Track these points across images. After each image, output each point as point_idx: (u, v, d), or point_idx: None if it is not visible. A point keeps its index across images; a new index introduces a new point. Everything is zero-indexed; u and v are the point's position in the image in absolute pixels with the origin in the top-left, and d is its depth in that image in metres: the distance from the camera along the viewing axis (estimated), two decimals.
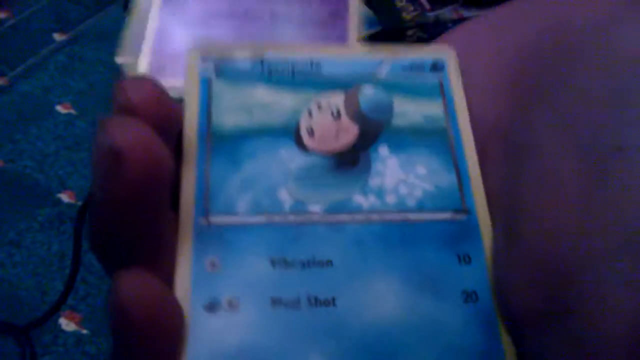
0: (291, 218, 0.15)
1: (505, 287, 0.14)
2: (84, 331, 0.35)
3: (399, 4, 0.56)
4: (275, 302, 0.14)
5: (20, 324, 0.35)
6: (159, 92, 0.14)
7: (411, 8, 0.56)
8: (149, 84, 0.14)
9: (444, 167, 0.16)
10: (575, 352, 0.12)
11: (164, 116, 0.14)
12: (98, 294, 0.37)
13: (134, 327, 0.13)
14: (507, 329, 0.14)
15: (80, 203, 0.40)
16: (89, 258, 0.38)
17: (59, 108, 0.46)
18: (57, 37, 0.52)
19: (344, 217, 0.15)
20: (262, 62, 0.17)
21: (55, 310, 0.35)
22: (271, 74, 0.17)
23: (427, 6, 0.55)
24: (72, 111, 0.46)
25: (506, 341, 0.14)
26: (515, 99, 0.15)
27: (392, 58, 0.18)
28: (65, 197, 0.41)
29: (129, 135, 0.12)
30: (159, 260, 0.14)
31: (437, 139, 0.16)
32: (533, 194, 0.13)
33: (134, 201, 0.13)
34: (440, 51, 0.18)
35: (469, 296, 0.15)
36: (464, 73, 0.17)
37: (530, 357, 0.13)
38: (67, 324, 0.35)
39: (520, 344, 0.14)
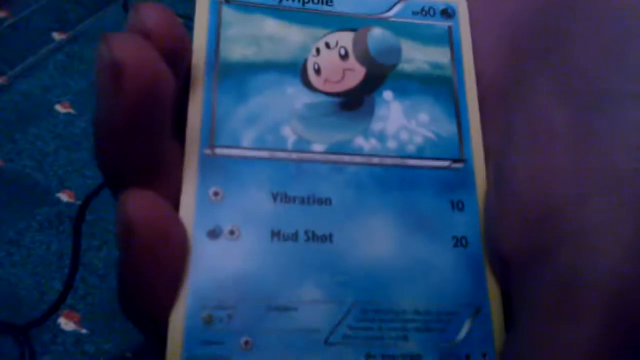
0: (294, 155, 0.15)
1: (494, 229, 0.14)
2: (84, 331, 0.35)
3: None
4: (275, 234, 0.14)
5: (19, 324, 0.35)
6: (173, 20, 0.14)
7: None
8: (165, 11, 0.14)
9: (447, 116, 0.16)
10: (559, 288, 0.12)
11: (175, 43, 0.14)
12: (98, 294, 0.37)
13: (139, 243, 0.13)
14: (494, 272, 0.14)
15: (79, 202, 0.40)
16: (88, 257, 0.38)
17: (58, 107, 0.46)
18: (57, 36, 0.52)
19: (345, 158, 0.16)
20: None
21: (54, 309, 0.35)
22: (282, 4, 0.17)
23: None
24: (72, 111, 0.46)
25: (491, 283, 0.15)
26: (514, 55, 0.15)
27: (404, 0, 0.18)
28: (64, 197, 0.41)
29: (130, 50, 0.13)
30: (164, 185, 0.14)
31: (442, 87, 0.17)
32: (525, 139, 0.14)
33: (135, 116, 0.13)
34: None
35: (459, 241, 0.15)
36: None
37: (518, 298, 0.14)
38: (66, 324, 0.35)
39: (507, 285, 0.14)
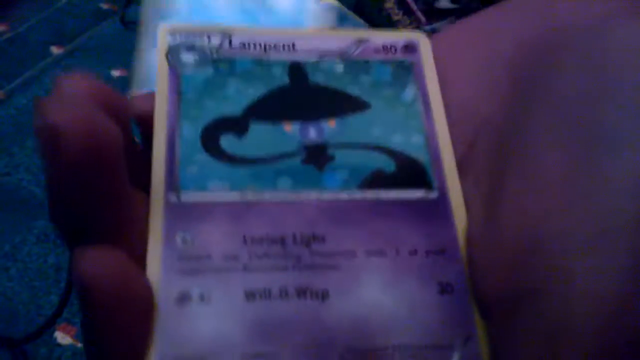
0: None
1: (480, 268, 0.14)
2: (80, 345, 0.35)
3: (395, 17, 0.56)
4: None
5: (15, 337, 0.34)
6: (99, 84, 0.14)
7: (407, 21, 0.57)
8: (88, 77, 0.14)
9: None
10: (543, 337, 0.12)
11: (109, 102, 0.14)
12: None
13: (96, 304, 0.12)
14: (480, 311, 0.14)
15: None
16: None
17: None
18: (54, 50, 0.52)
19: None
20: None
21: (50, 323, 0.35)
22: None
23: (423, 19, 0.55)
24: None
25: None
26: (510, 95, 0.15)
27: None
28: None
29: (66, 111, 0.12)
30: (126, 240, 0.14)
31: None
32: (517, 179, 0.14)
33: (78, 175, 0.12)
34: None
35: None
36: (453, 70, 0.17)
37: (500, 345, 0.13)
38: (62, 337, 0.35)
39: (492, 326, 0.14)
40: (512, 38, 0.16)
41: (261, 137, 0.16)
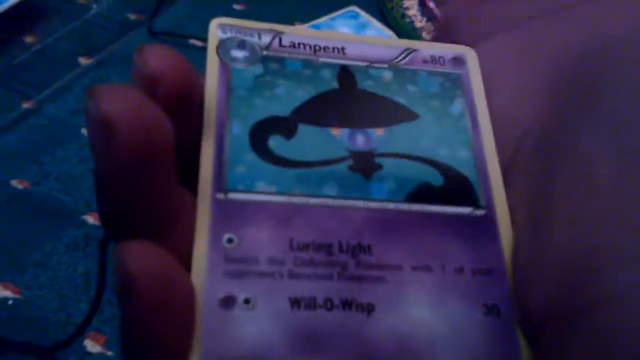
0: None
1: (528, 284, 0.14)
2: (109, 353, 0.35)
3: (418, 24, 0.56)
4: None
5: (45, 345, 0.35)
6: (180, 64, 0.13)
7: (431, 28, 0.57)
8: (171, 55, 0.13)
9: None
10: (597, 349, 0.12)
11: (183, 88, 0.13)
12: None
13: (141, 297, 0.12)
14: (525, 333, 0.14)
15: None
16: (114, 279, 0.38)
17: (84, 131, 0.47)
18: (83, 61, 0.53)
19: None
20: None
21: (80, 331, 0.35)
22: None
23: None
24: None
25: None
26: (554, 104, 0.15)
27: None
28: (90, 219, 0.41)
29: (120, 103, 0.12)
30: (171, 239, 0.13)
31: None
32: (565, 190, 0.13)
33: (128, 170, 0.12)
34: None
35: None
36: (497, 78, 0.17)
37: (546, 356, 0.13)
38: (92, 346, 0.36)
39: (539, 344, 0.13)
40: (555, 48, 0.16)
41: (309, 141, 0.16)
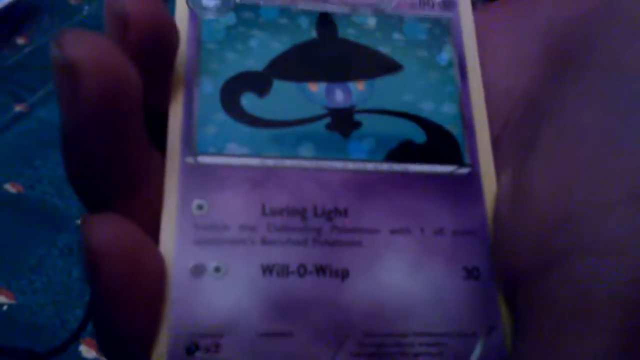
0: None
1: (506, 239, 0.14)
2: (105, 358, 0.35)
3: None
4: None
5: (40, 351, 0.35)
6: (156, 5, 0.13)
7: None
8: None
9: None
10: (573, 297, 0.12)
11: (159, 30, 0.13)
12: None
13: (107, 272, 0.11)
14: (504, 293, 0.14)
15: None
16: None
17: None
18: None
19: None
20: None
21: (75, 337, 0.35)
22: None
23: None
24: None
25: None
26: (546, 71, 0.15)
27: None
28: None
29: (84, 47, 0.11)
30: (137, 207, 0.13)
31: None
32: (549, 145, 0.13)
33: (95, 120, 0.12)
34: None
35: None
36: (489, 50, 0.17)
37: (526, 311, 0.13)
38: (87, 351, 0.35)
39: (516, 300, 0.13)
40: (545, 14, 0.16)
41: (284, 98, 0.15)
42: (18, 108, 0.48)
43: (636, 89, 0.12)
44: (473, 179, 0.15)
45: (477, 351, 0.13)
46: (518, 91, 0.15)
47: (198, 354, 0.13)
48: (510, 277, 0.13)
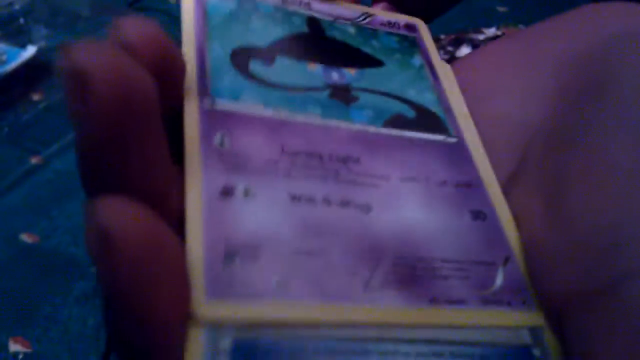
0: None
1: (547, 270, 0.14)
2: None
3: None
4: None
5: None
6: (158, 34, 0.13)
7: None
8: (148, 24, 0.13)
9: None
10: (623, 327, 0.12)
11: (162, 57, 0.13)
12: None
13: (121, 255, 0.10)
14: (549, 320, 0.14)
15: None
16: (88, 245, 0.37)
17: None
18: None
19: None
20: None
21: None
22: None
23: None
24: None
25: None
26: (564, 103, 0.15)
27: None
28: None
29: (95, 57, 0.11)
30: (155, 198, 0.12)
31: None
32: (582, 174, 0.13)
33: (108, 125, 0.11)
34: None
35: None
36: (498, 82, 0.17)
37: (577, 344, 0.13)
38: None
39: (563, 328, 0.13)
40: (556, 51, 0.16)
41: (288, 70, 0.16)
42: (34, 161, 0.49)
43: None
44: (461, 147, 0.16)
45: (500, 276, 0.14)
46: (536, 123, 0.16)
47: (237, 260, 0.12)
48: (553, 308, 0.14)
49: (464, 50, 0.47)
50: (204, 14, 0.16)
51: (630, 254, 0.12)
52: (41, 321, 0.38)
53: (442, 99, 0.17)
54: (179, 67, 0.14)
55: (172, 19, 0.60)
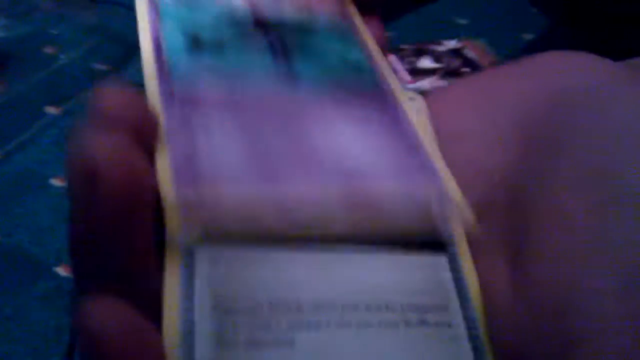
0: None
1: (505, 327, 0.14)
2: None
3: None
4: None
5: None
6: (139, 101, 0.13)
7: None
8: (127, 93, 0.13)
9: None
10: None
11: (144, 124, 0.13)
12: None
13: (106, 354, 0.11)
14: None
15: None
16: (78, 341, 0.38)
17: (53, 181, 0.47)
18: (50, 110, 0.53)
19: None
20: None
21: None
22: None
23: (407, 78, 0.58)
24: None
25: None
26: (522, 153, 0.15)
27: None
28: (62, 271, 0.41)
29: (107, 149, 0.11)
30: (139, 288, 0.13)
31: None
32: (541, 234, 0.14)
33: (113, 222, 0.11)
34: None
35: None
36: (459, 126, 0.17)
37: None
38: None
39: None
40: (517, 97, 0.16)
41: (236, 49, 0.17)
42: None
43: (617, 183, 0.13)
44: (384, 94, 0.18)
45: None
46: (498, 173, 0.16)
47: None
48: (509, 354, 0.14)
49: (425, 62, 0.49)
50: (155, 5, 0.18)
51: (580, 317, 0.12)
52: (2, 321, 0.38)
53: (367, 55, 0.19)
54: (154, 125, 0.14)
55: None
